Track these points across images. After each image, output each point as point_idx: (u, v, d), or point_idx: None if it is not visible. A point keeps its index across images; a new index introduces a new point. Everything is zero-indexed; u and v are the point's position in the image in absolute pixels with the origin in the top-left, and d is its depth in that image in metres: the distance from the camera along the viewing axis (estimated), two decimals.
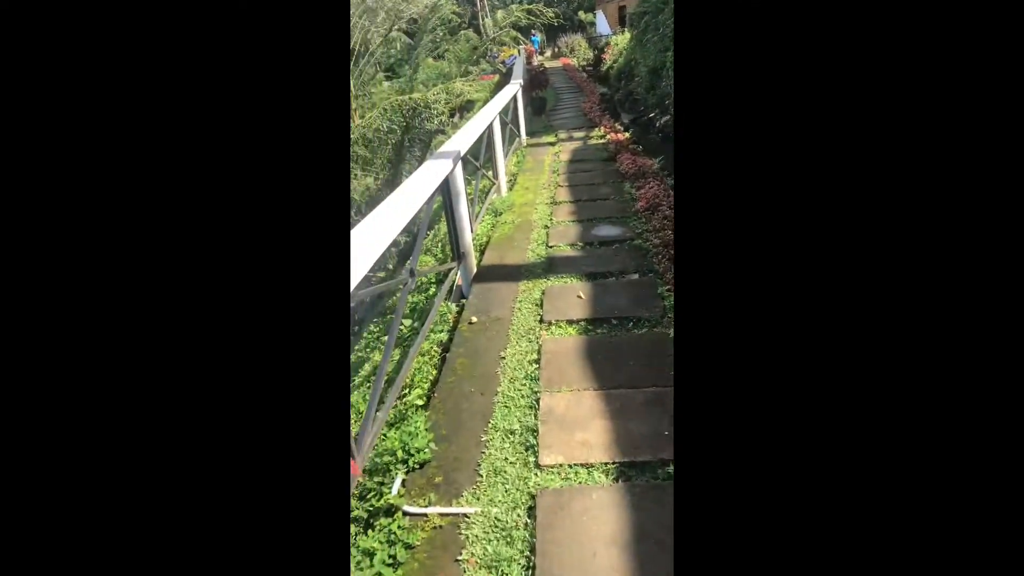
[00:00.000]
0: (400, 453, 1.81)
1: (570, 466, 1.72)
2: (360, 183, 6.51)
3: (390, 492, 1.69)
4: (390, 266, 6.11)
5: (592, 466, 1.71)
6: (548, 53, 20.75)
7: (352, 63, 7.43)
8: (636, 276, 2.94)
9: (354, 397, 2.89)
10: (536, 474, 1.71)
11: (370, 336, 3.91)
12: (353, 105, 7.22)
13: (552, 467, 1.73)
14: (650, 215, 3.63)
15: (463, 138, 3.38)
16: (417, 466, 1.81)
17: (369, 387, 2.68)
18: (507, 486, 1.69)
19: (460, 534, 1.55)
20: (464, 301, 2.97)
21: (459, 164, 3.06)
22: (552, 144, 6.56)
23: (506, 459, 1.79)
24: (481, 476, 1.74)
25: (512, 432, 1.91)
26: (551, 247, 3.49)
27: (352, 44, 7.56)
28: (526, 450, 1.81)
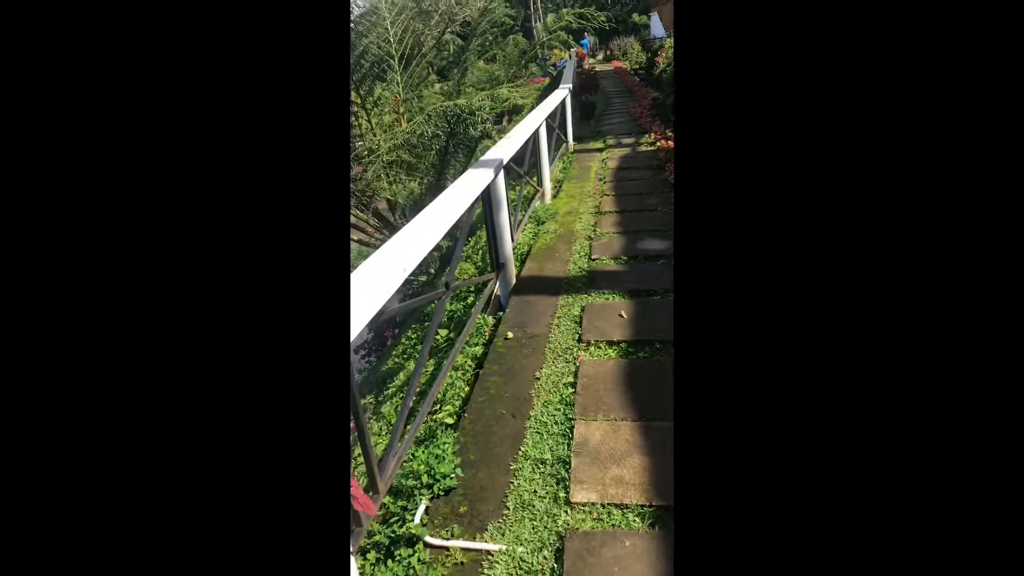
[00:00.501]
0: (425, 478, 1.74)
1: (603, 505, 1.60)
2: (405, 187, 6.55)
3: (412, 519, 1.62)
4: (431, 270, 6.12)
5: (627, 507, 1.59)
6: (600, 56, 20.51)
7: (403, 67, 7.49)
8: None
9: (386, 408, 2.86)
10: (566, 512, 1.60)
11: (407, 343, 3.90)
12: (401, 109, 7.28)
13: (583, 505, 1.61)
14: None
15: (507, 145, 3.30)
16: (442, 492, 1.73)
17: (402, 398, 2.64)
18: (534, 523, 1.59)
19: (482, 573, 1.46)
20: (501, 314, 2.89)
21: (501, 173, 2.98)
22: (600, 150, 6.41)
23: (535, 492, 1.69)
24: (508, 509, 1.65)
25: (543, 462, 1.80)
26: (594, 260, 3.36)
27: (404, 48, 7.63)
28: (556, 483, 1.71)
